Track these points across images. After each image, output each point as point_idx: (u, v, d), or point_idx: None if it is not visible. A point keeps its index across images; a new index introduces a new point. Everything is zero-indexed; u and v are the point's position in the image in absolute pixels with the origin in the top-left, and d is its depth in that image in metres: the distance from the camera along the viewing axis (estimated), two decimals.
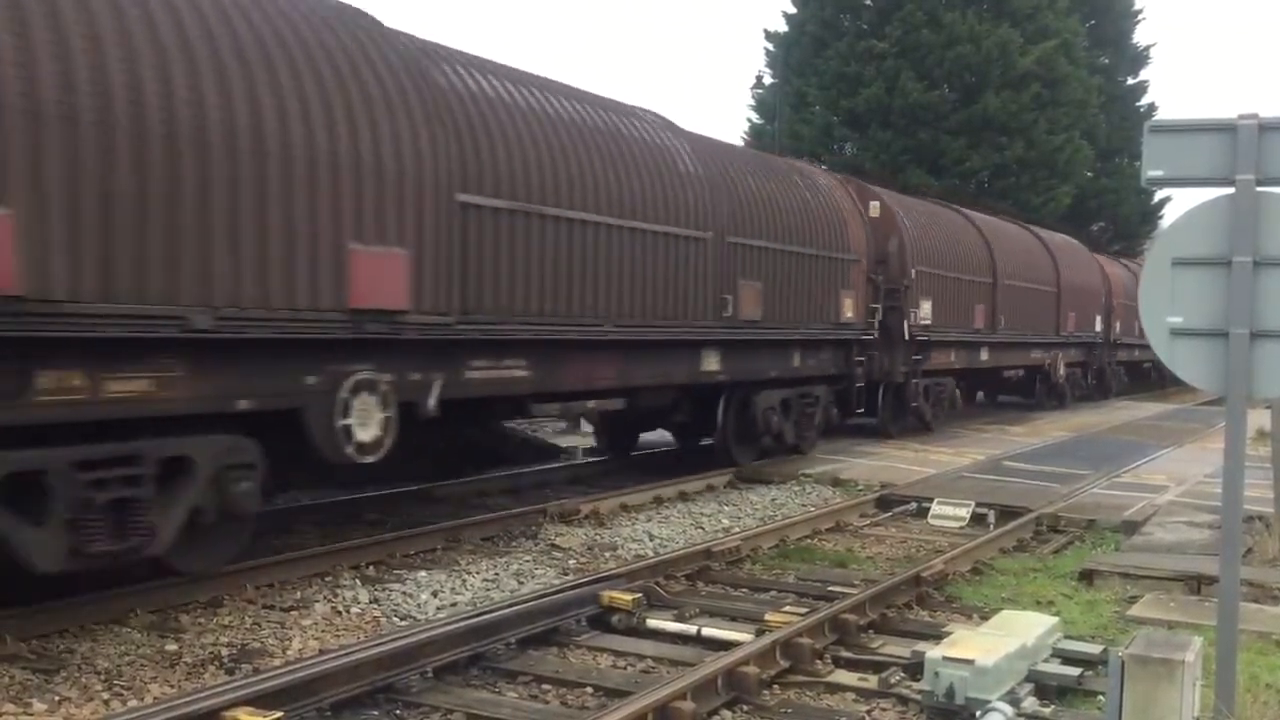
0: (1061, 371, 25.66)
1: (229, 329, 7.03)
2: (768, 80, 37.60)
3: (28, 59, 5.97)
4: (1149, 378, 34.89)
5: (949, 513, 11.71)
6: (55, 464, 6.27)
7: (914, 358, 18.10)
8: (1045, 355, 24.86)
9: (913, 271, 18.01)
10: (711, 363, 12.71)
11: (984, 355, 21.54)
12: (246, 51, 7.26)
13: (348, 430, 7.97)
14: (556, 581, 8.36)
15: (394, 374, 8.40)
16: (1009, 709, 5.53)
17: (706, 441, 14.54)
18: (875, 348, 16.95)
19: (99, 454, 6.48)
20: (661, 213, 11.53)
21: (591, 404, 11.56)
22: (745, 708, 5.99)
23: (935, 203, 22.46)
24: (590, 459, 15.21)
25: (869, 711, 6.00)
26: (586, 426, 16.31)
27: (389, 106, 8.27)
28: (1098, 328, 28.11)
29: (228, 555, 7.74)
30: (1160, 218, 43.57)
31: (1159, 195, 43.21)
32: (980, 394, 26.70)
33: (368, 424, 8.11)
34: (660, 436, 15.90)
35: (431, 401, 8.75)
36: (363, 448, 8.09)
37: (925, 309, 18.36)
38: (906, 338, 17.69)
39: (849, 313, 15.71)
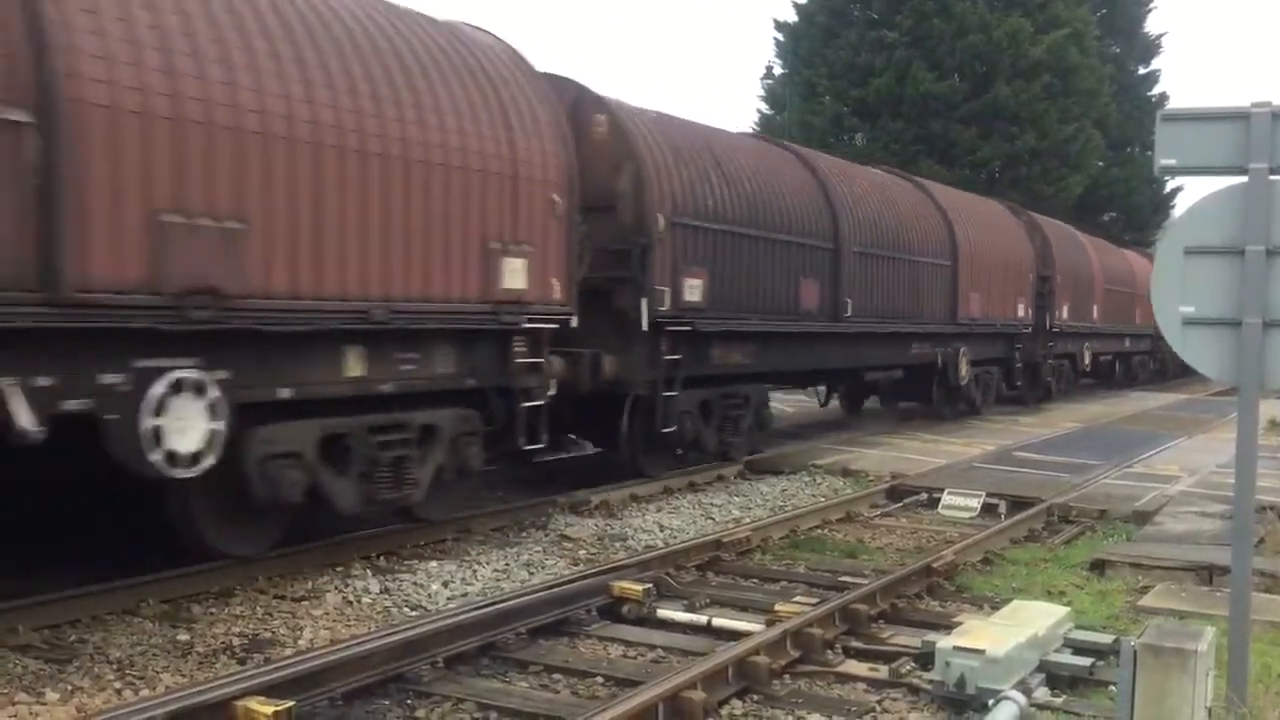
0: (963, 370, 19.72)
1: None
2: (778, 71, 37.64)
3: None
4: (1110, 373, 31.00)
5: (959, 503, 11.69)
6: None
7: (669, 358, 12.08)
8: (935, 349, 18.90)
9: (660, 220, 11.81)
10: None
11: (814, 351, 15.22)
12: None
13: None
14: (567, 572, 8.37)
15: None
16: (1020, 699, 5.51)
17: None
18: (587, 343, 11.06)
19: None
20: None
21: None
22: (755, 698, 5.99)
23: (747, 136, 16.56)
24: None
25: (880, 701, 6.00)
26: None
27: None
28: (1020, 313, 21.89)
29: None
30: (1172, 207, 43.62)
31: (1171, 184, 43.36)
32: (875, 398, 21.25)
33: None
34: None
35: None
36: None
37: (692, 282, 12.31)
38: (646, 327, 11.67)
39: (515, 283, 9.55)
